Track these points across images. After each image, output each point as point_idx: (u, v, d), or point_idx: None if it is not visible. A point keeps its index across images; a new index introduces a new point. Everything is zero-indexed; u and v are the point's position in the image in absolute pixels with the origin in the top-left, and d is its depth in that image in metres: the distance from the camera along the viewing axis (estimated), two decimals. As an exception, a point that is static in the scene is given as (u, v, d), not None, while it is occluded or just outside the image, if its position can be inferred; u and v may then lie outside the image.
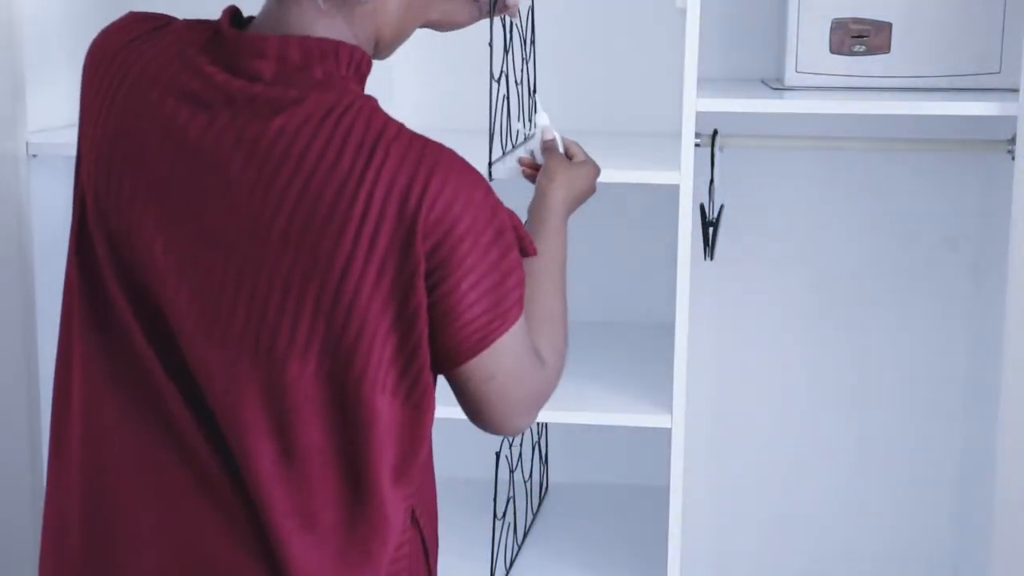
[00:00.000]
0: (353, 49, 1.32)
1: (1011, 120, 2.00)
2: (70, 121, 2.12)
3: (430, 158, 1.26)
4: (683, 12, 1.93)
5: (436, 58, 2.48)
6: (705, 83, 2.05)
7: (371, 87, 2.56)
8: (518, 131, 2.11)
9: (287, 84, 1.28)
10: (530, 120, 2.28)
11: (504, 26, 1.98)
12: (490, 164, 1.95)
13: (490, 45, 1.90)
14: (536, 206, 1.65)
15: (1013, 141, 2.02)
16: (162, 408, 1.32)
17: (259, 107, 1.27)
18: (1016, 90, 1.98)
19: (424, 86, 2.52)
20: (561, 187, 1.66)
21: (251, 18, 1.37)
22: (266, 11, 1.34)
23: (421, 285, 1.25)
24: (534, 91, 2.29)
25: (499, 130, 1.99)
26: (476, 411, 1.37)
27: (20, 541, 2.15)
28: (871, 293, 2.51)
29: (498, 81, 1.97)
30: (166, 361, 1.31)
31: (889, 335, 2.52)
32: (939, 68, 2.13)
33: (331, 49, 1.30)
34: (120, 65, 1.34)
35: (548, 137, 1.81)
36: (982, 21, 2.12)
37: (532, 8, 2.21)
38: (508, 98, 2.05)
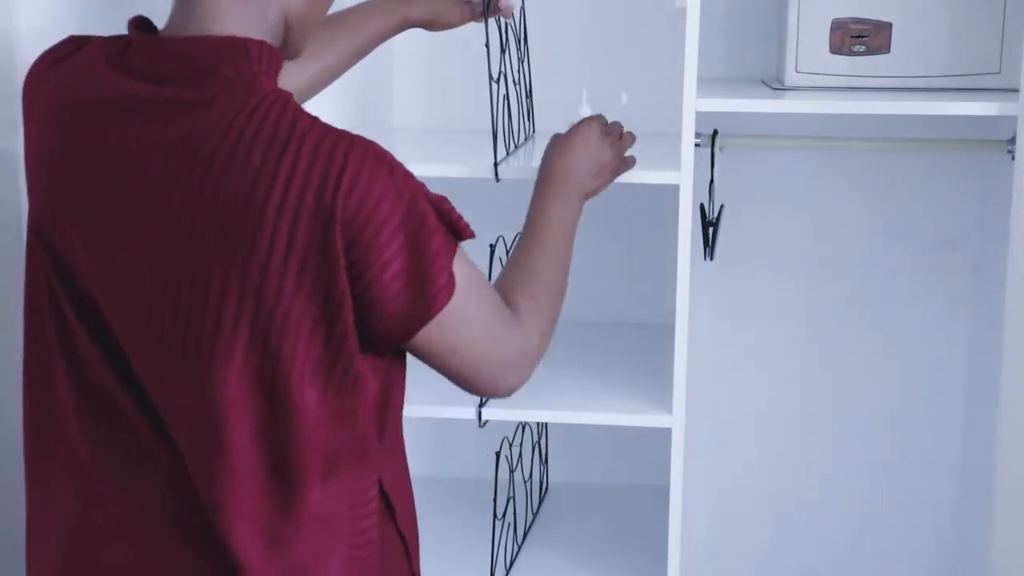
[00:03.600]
0: (261, 45, 1.31)
1: (1011, 120, 2.00)
2: (70, 121, 2.11)
3: (343, 150, 1.25)
4: (683, 12, 1.93)
5: (436, 59, 2.48)
6: (705, 83, 2.05)
7: (372, 88, 2.56)
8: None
9: (196, 85, 1.28)
10: (529, 121, 2.28)
11: (500, 27, 1.98)
12: (495, 165, 1.95)
13: (486, 46, 1.90)
14: (537, 178, 1.71)
15: (1013, 141, 2.02)
16: (112, 405, 1.33)
17: (169, 111, 1.27)
18: (1016, 90, 1.97)
19: (424, 87, 2.52)
20: (554, 156, 1.71)
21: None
22: (173, 11, 1.34)
23: (343, 277, 1.25)
24: (531, 90, 2.29)
25: (502, 130, 1.99)
26: (458, 383, 1.42)
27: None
28: (871, 293, 2.51)
29: (497, 82, 1.97)
30: (114, 364, 1.32)
31: (889, 334, 2.52)
32: (939, 68, 2.13)
33: (239, 46, 1.29)
34: (43, 87, 1.36)
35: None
36: (982, 21, 2.12)
37: (523, 7, 2.21)
38: (508, 98, 2.05)
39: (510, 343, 1.42)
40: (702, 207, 2.14)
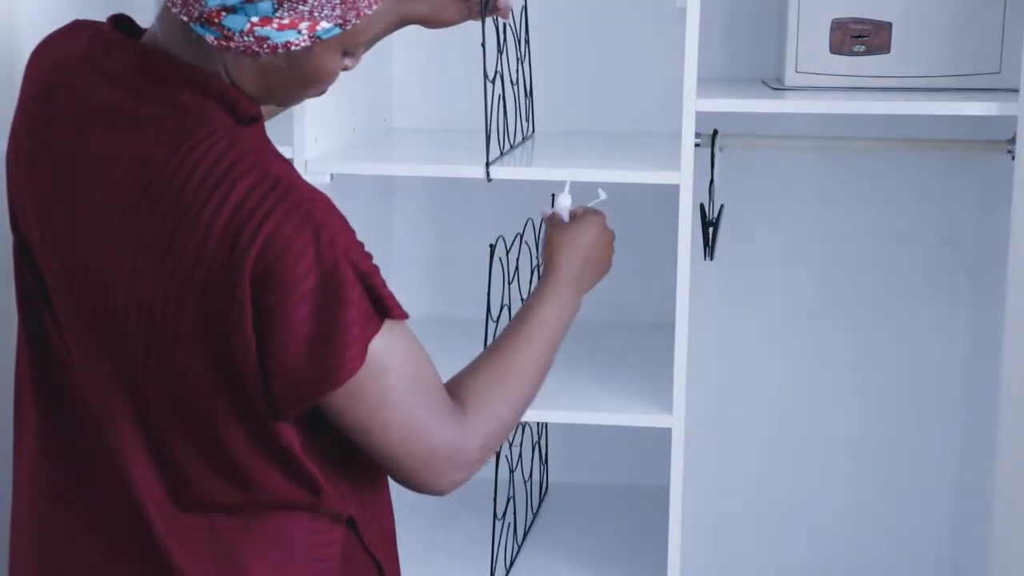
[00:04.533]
0: (227, 86, 1.26)
1: (1011, 120, 2.00)
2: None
3: (272, 202, 1.19)
4: (683, 12, 1.93)
5: (435, 59, 2.48)
6: (705, 83, 2.05)
7: (372, 87, 2.56)
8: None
9: (153, 102, 1.25)
10: (528, 122, 2.28)
11: (497, 27, 1.98)
12: (487, 165, 1.95)
13: (482, 46, 1.90)
14: (542, 272, 1.56)
15: (1013, 141, 2.02)
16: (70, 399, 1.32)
17: (124, 123, 1.25)
18: (1016, 90, 1.97)
19: (423, 87, 2.52)
20: (570, 251, 1.54)
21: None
22: (155, 20, 1.31)
23: (250, 330, 1.20)
24: (530, 91, 2.29)
25: (495, 130, 1.99)
26: (381, 467, 1.34)
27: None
28: (871, 293, 2.51)
29: (492, 81, 1.97)
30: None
31: (889, 335, 2.52)
32: (939, 68, 2.13)
33: (200, 78, 1.25)
34: (33, 73, 1.35)
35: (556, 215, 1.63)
36: (982, 21, 2.12)
37: (525, 7, 2.21)
38: (504, 98, 2.04)
39: (440, 438, 1.30)
40: (702, 207, 2.14)
